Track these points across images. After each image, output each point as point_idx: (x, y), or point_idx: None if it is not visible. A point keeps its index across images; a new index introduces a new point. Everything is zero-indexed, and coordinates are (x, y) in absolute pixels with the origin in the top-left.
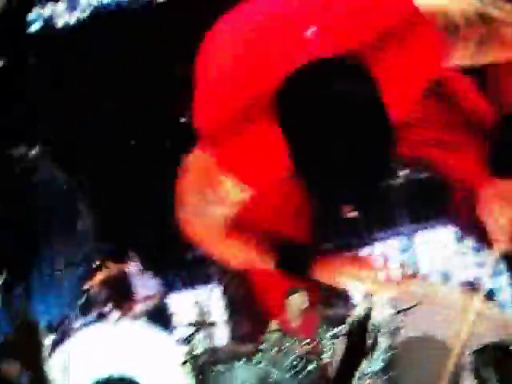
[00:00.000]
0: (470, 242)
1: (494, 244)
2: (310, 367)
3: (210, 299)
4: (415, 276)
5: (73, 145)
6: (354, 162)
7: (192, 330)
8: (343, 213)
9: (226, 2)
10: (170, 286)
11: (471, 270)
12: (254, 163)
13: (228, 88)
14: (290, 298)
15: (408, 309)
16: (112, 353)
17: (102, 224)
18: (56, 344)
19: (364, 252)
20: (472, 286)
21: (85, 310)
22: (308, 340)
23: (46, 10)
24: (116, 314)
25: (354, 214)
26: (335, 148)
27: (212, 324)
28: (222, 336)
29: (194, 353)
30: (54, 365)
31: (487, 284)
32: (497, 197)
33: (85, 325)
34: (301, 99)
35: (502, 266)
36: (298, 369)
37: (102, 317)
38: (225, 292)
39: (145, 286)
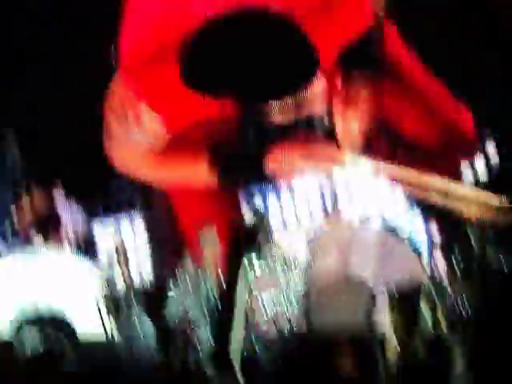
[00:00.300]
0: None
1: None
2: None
3: (132, 228)
4: (333, 212)
5: None
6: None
7: (110, 260)
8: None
9: None
10: (93, 214)
11: (387, 209)
12: (164, 95)
13: (148, 29)
14: (203, 233)
15: (318, 241)
16: (36, 281)
17: (28, 152)
18: None
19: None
20: (388, 227)
21: (9, 235)
22: (221, 274)
23: None
24: (40, 239)
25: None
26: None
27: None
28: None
29: (111, 287)
30: None
31: (402, 225)
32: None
33: (9, 250)
34: (205, 39)
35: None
36: (212, 304)
37: (27, 242)
38: (148, 222)
39: (69, 213)
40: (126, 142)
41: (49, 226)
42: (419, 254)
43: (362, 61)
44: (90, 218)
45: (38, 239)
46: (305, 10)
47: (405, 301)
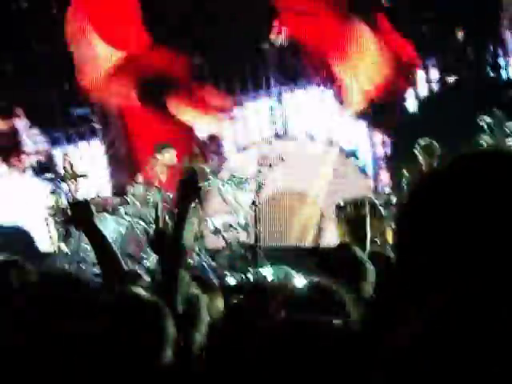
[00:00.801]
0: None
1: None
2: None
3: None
4: (284, 134)
5: None
6: None
7: (59, 183)
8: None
9: None
10: (55, 142)
11: (334, 130)
12: (116, 28)
13: None
14: (162, 151)
15: (271, 164)
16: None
17: None
18: None
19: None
20: (333, 145)
21: None
22: (172, 194)
23: None
24: (5, 166)
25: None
26: None
27: (82, 176)
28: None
29: (60, 205)
30: None
31: (347, 143)
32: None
33: None
34: None
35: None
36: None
37: None
38: (107, 147)
39: (32, 141)
40: (85, 66)
41: (12, 152)
42: (364, 170)
43: None
44: (53, 145)
45: (2, 167)
46: None
47: (353, 213)
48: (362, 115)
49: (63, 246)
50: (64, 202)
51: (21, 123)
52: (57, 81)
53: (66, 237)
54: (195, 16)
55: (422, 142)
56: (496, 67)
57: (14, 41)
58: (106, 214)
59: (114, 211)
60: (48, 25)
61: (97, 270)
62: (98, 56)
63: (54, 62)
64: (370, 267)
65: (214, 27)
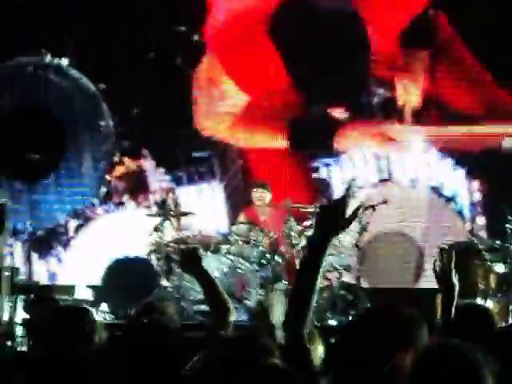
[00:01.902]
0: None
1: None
2: (276, 259)
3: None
4: (389, 180)
5: (96, 57)
6: (338, 67)
7: (159, 219)
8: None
9: None
10: (178, 181)
11: (436, 177)
12: (250, 72)
13: (234, 7)
14: (255, 190)
15: (375, 205)
16: (127, 236)
17: (121, 125)
18: (80, 227)
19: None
20: (436, 191)
21: (105, 199)
22: (274, 233)
23: None
24: (132, 203)
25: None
26: (321, 54)
27: (187, 214)
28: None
29: (163, 241)
30: (77, 246)
31: (448, 189)
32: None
33: (105, 212)
34: (291, 21)
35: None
36: (264, 260)
37: (120, 206)
38: (225, 187)
39: (157, 180)
40: (211, 111)
41: (139, 192)
42: (462, 214)
43: (419, 41)
44: (176, 184)
45: (130, 203)
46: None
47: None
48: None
49: (165, 282)
50: (166, 239)
51: (147, 163)
52: (181, 123)
53: (167, 273)
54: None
55: None
56: None
57: (143, 86)
58: (208, 252)
59: (216, 250)
60: (174, 73)
61: (196, 308)
62: (227, 102)
63: (179, 106)
64: None
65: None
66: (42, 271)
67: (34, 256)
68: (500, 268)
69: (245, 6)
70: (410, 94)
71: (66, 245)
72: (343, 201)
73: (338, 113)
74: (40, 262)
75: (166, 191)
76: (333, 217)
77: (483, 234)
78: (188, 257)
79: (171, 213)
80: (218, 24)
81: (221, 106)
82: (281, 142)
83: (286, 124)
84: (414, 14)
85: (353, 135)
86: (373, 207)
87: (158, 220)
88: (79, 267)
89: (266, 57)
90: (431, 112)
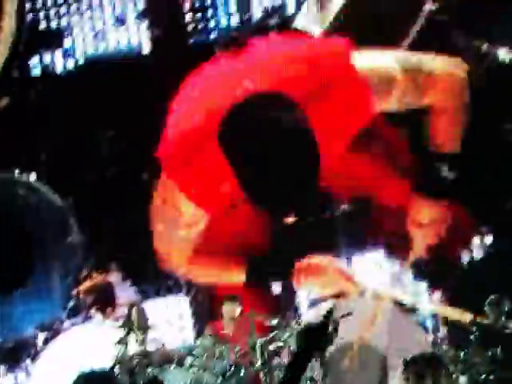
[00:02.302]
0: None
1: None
2: (241, 374)
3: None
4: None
5: (64, 171)
6: (289, 178)
7: (125, 332)
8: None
9: (199, 58)
10: (145, 295)
11: (396, 288)
12: (205, 188)
13: (182, 125)
14: (225, 304)
15: (342, 317)
16: (95, 350)
17: (89, 240)
18: (48, 340)
19: None
20: (397, 303)
21: (73, 312)
22: (239, 347)
23: (47, 57)
24: (99, 316)
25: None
26: (271, 168)
27: (149, 327)
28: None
29: (126, 355)
30: (45, 359)
31: (408, 301)
32: (418, 220)
33: (72, 325)
34: (238, 126)
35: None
36: (229, 374)
37: (88, 319)
38: (191, 301)
39: (124, 293)
40: (167, 239)
41: (107, 306)
42: (426, 328)
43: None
44: (143, 297)
45: (97, 317)
46: (306, 97)
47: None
48: (420, 274)
49: None
50: (129, 353)
51: (114, 276)
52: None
53: None
54: None
55: (492, 297)
56: None
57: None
58: (170, 365)
59: (180, 363)
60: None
61: None
62: (180, 227)
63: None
64: None
65: None
66: None
67: (1, 368)
68: (464, 381)
69: (192, 123)
70: None
71: (34, 358)
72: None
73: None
74: (7, 376)
75: (130, 304)
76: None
77: (446, 345)
78: None
79: (134, 326)
80: (168, 143)
81: (178, 229)
82: (238, 278)
83: (243, 259)
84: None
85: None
86: (336, 320)
87: (122, 333)
88: (47, 381)
89: (219, 172)
90: None
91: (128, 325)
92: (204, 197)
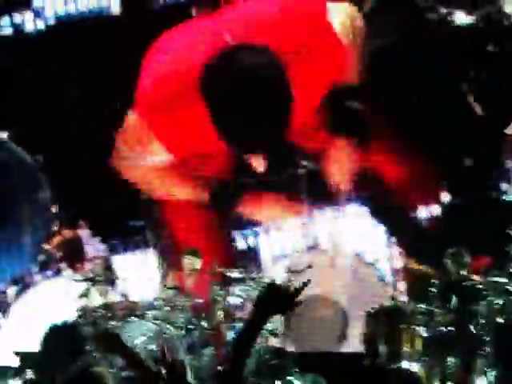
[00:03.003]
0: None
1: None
2: (202, 325)
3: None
4: (315, 247)
5: (34, 130)
6: (260, 119)
7: (89, 283)
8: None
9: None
10: (114, 250)
11: (359, 243)
12: (178, 135)
13: (163, 72)
14: (186, 257)
15: (301, 270)
16: (64, 302)
17: (59, 196)
18: (19, 293)
19: None
20: (359, 256)
21: (43, 266)
22: (201, 299)
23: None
24: (69, 270)
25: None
26: (246, 108)
27: (112, 279)
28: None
29: (90, 307)
30: (16, 312)
31: (369, 255)
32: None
33: (43, 278)
34: (220, 73)
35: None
36: (190, 326)
37: (58, 273)
38: (158, 255)
39: (94, 249)
40: (136, 164)
41: (76, 260)
42: (384, 280)
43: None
44: (111, 252)
45: (67, 271)
46: (289, 49)
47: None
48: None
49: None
50: (93, 304)
51: (83, 232)
52: (115, 193)
53: None
54: None
55: (452, 250)
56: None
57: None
58: (133, 317)
59: (142, 315)
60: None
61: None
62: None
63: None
64: None
65: None
66: None
67: None
68: (424, 332)
69: (173, 70)
70: (341, 172)
71: (5, 311)
72: (296, 290)
73: (257, 162)
74: None
75: (93, 258)
76: (279, 298)
77: (404, 299)
78: (104, 341)
79: (98, 278)
80: (147, 88)
81: (148, 161)
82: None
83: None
84: (332, 81)
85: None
86: (298, 272)
87: (85, 286)
88: (18, 334)
89: (196, 120)
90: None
91: (91, 278)
92: (176, 144)
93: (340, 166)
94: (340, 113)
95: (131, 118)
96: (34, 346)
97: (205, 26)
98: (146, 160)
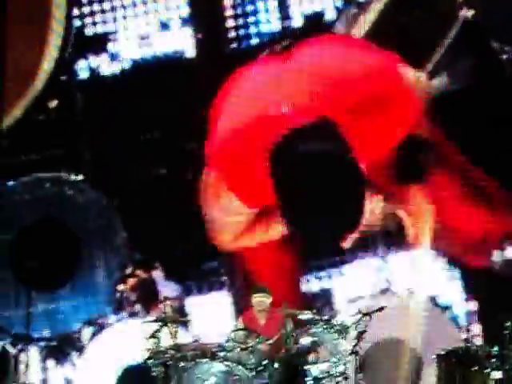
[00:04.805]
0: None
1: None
2: (274, 365)
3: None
4: (389, 290)
5: (110, 172)
6: (328, 212)
7: (161, 324)
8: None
9: (239, 63)
10: (188, 291)
11: (432, 287)
12: (250, 187)
13: (235, 134)
14: (255, 295)
15: (372, 312)
16: (137, 343)
17: (133, 239)
18: (94, 334)
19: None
20: (432, 301)
21: (118, 308)
22: (272, 339)
23: (93, 61)
24: (143, 312)
25: None
26: (313, 197)
27: (183, 321)
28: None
29: (160, 348)
30: (91, 353)
31: (443, 298)
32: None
33: (118, 320)
34: (287, 158)
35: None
36: (261, 367)
37: (133, 315)
38: (233, 296)
39: (168, 290)
40: (222, 225)
41: (150, 302)
42: (457, 323)
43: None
44: (186, 295)
45: (141, 312)
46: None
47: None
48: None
49: None
50: (163, 345)
51: (158, 274)
52: (190, 236)
53: (164, 380)
54: None
55: None
56: None
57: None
58: (203, 358)
59: (213, 356)
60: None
61: None
62: (230, 216)
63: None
64: None
65: None
66: (58, 378)
67: (51, 363)
68: (498, 375)
69: (247, 128)
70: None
71: (80, 352)
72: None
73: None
74: (57, 369)
75: (164, 299)
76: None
77: (479, 341)
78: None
79: (167, 319)
80: (220, 140)
81: (229, 218)
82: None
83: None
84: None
85: None
86: (369, 315)
87: (157, 326)
88: (93, 374)
89: (264, 175)
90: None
91: (161, 319)
92: (248, 195)
93: (416, 218)
94: (411, 165)
95: (207, 177)
96: None
97: (275, 74)
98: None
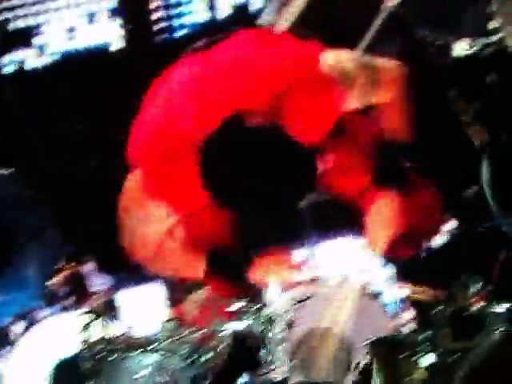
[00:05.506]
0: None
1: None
2: (206, 356)
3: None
4: (317, 278)
5: (38, 168)
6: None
7: (91, 317)
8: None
9: (171, 56)
10: (121, 284)
11: (363, 274)
12: (176, 193)
13: (159, 132)
14: (193, 291)
15: (301, 301)
16: (68, 338)
17: (65, 232)
18: (25, 329)
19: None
20: (363, 288)
21: (49, 302)
22: (203, 330)
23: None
24: (74, 306)
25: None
26: (248, 178)
27: (115, 314)
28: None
29: (91, 341)
30: (22, 347)
31: (373, 286)
32: (375, 211)
33: (50, 314)
34: (218, 151)
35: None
36: (193, 358)
37: (65, 308)
38: (166, 288)
39: (99, 283)
40: (133, 235)
41: (81, 295)
42: (389, 312)
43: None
44: (117, 287)
45: (71, 306)
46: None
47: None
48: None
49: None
50: (94, 338)
51: (89, 267)
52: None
53: (96, 373)
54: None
55: (459, 280)
56: None
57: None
58: (134, 351)
59: (144, 348)
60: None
61: None
62: (152, 225)
63: None
64: None
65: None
66: None
67: None
68: (429, 360)
69: (174, 128)
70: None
71: (11, 346)
72: None
73: None
74: None
75: (96, 292)
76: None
77: (411, 327)
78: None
79: (99, 312)
80: (142, 142)
81: (146, 227)
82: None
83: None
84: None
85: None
86: (299, 302)
87: (87, 319)
88: (25, 369)
89: (191, 179)
90: None
91: (92, 312)
92: (175, 198)
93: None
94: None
95: (128, 176)
96: (40, 382)
97: (196, 74)
98: (145, 227)
